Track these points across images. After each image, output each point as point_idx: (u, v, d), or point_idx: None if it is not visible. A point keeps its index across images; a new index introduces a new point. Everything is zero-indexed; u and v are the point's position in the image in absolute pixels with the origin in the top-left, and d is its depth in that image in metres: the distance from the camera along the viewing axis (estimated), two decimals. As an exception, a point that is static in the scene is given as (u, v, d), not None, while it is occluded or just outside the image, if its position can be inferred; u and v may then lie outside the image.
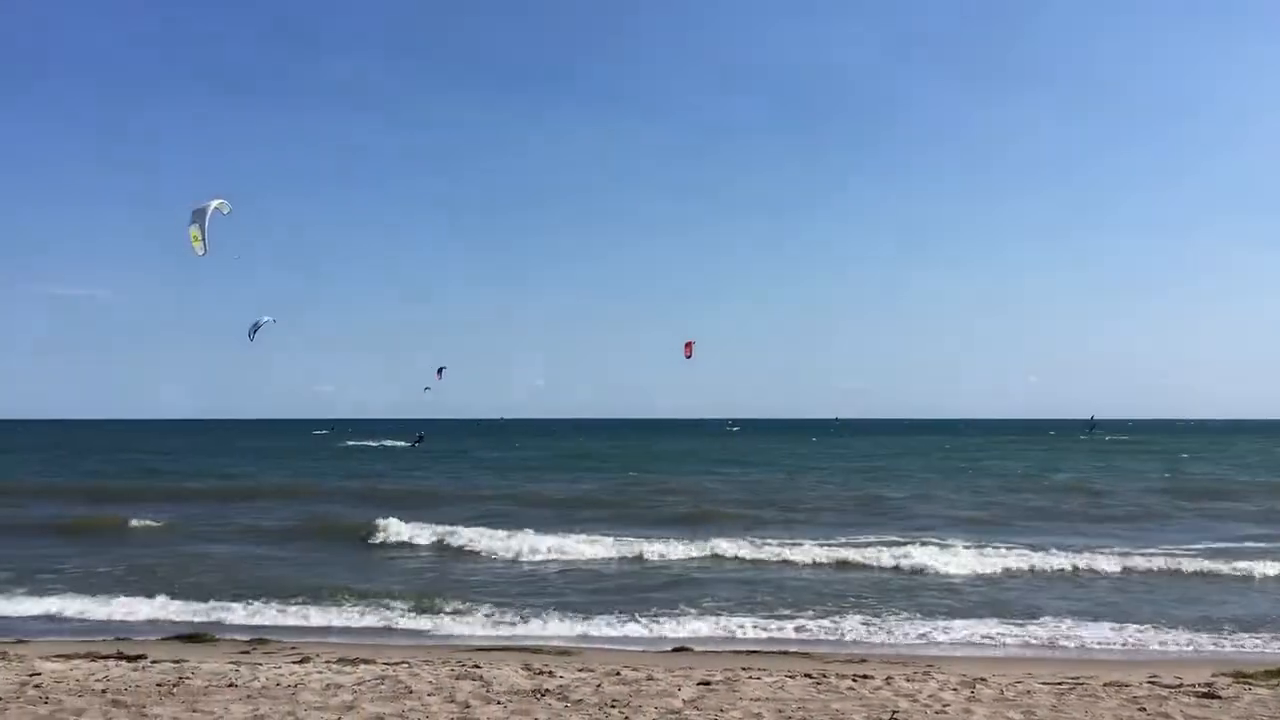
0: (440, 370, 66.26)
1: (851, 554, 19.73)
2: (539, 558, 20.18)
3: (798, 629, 13.95)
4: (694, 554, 20.22)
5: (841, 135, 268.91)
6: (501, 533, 22.28)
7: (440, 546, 21.87)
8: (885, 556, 19.33)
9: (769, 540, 21.63)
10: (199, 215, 19.55)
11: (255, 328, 30.18)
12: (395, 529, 22.98)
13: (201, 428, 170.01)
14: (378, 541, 22.55)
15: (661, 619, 14.36)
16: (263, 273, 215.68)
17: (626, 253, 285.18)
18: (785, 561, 19.54)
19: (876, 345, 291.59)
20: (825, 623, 14.23)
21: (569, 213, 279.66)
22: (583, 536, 21.88)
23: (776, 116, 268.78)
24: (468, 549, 21.31)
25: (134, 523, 24.92)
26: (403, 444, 78.22)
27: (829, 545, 20.84)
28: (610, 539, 21.52)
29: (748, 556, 20.03)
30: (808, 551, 20.08)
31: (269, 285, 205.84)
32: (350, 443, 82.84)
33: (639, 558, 20.05)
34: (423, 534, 22.73)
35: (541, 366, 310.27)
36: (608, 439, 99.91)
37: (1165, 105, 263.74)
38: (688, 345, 35.82)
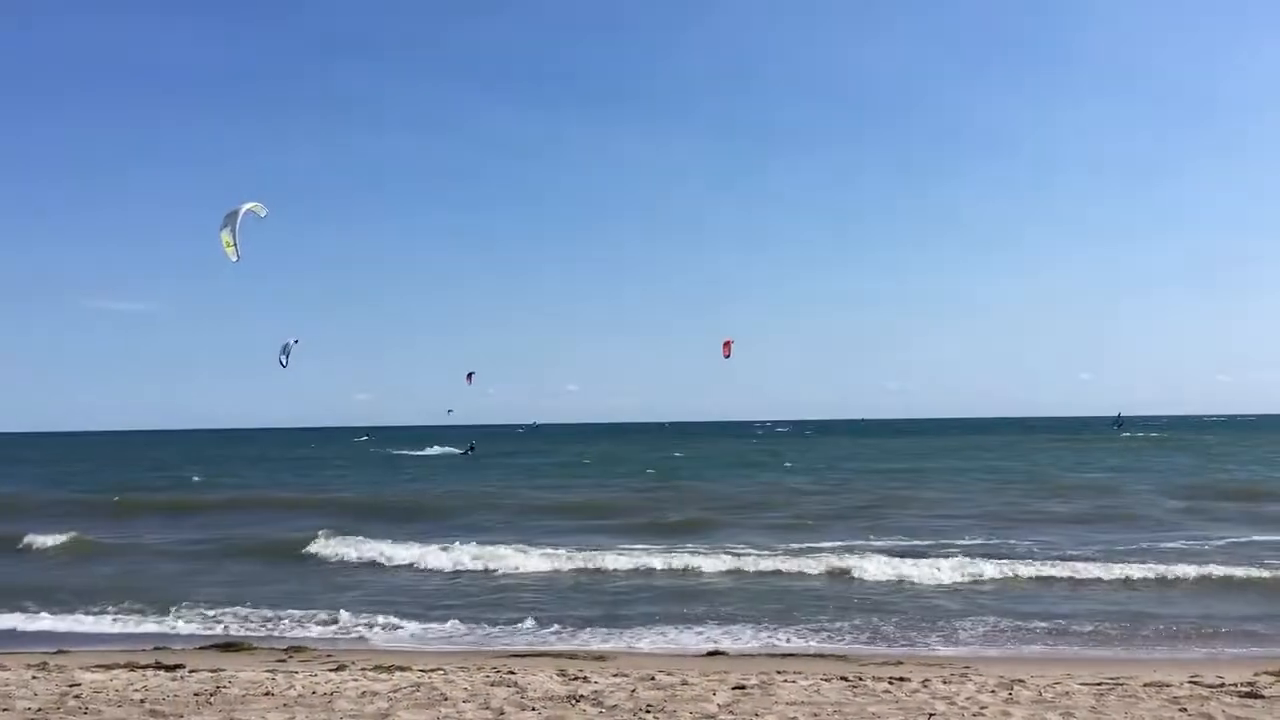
0: (470, 375, 66.49)
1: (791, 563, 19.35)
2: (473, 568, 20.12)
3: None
4: (654, 565, 19.70)
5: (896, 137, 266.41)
6: (433, 546, 21.69)
7: (369, 563, 21.12)
8: (824, 564, 19.10)
9: (741, 548, 21.27)
10: (230, 219, 18.73)
11: (285, 351, 30.31)
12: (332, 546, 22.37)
13: (245, 436, 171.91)
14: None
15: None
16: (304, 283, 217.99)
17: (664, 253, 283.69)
18: (735, 572, 19.13)
19: (925, 346, 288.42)
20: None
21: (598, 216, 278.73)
22: (519, 547, 21.42)
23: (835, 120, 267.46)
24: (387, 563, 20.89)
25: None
26: (455, 451, 77.06)
27: (773, 554, 20.26)
28: (563, 551, 20.95)
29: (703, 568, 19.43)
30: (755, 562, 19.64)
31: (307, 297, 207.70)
32: (399, 451, 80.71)
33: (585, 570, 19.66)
34: (355, 550, 22.00)
35: (581, 369, 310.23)
36: (650, 443, 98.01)
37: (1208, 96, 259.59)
38: (726, 344, 35.03)
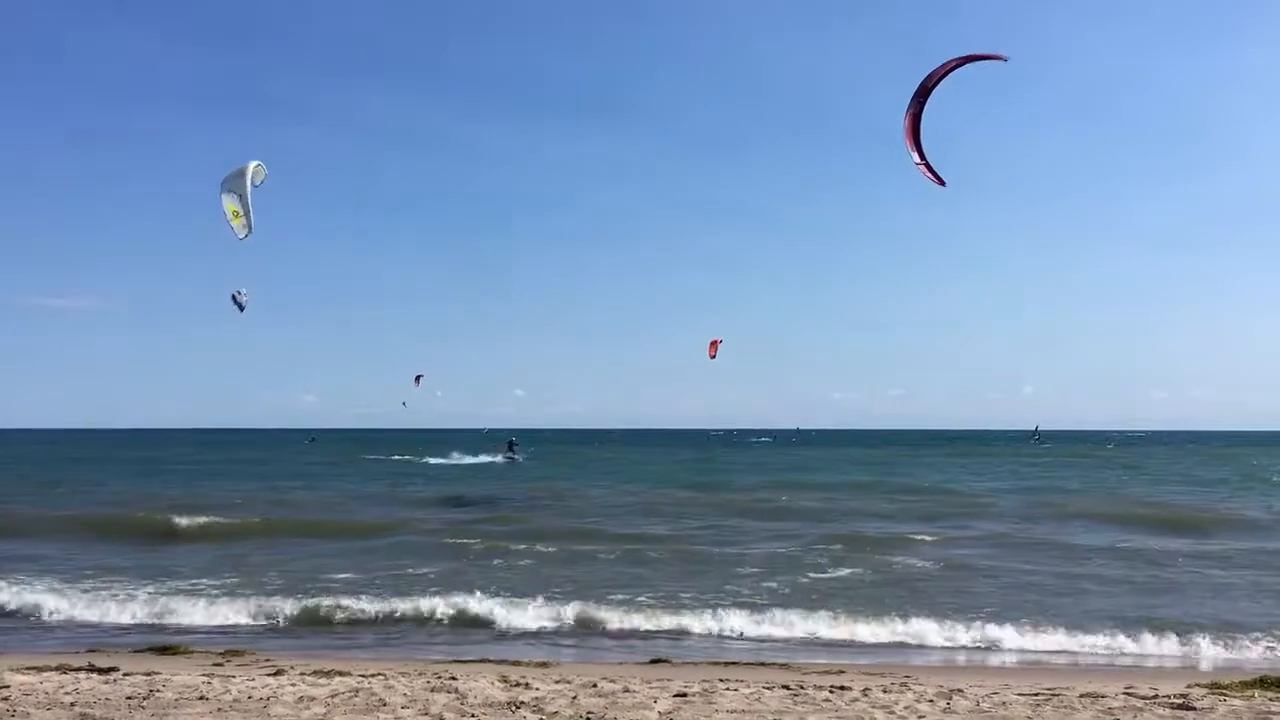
0: (418, 378, 65.56)
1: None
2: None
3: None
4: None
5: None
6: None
7: None
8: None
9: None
10: (234, 183, 15.86)
11: (236, 302, 29.88)
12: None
13: (178, 437, 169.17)
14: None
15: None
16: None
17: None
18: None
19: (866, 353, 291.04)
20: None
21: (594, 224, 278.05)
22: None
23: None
24: None
25: None
26: (498, 459, 64.16)
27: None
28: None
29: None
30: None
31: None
32: (429, 460, 64.47)
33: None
34: None
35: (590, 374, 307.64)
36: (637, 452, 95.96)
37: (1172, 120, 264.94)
38: (713, 344, 34.48)
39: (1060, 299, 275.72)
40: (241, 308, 30.04)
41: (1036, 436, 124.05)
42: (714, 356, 34.26)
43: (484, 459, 63.54)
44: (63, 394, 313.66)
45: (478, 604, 15.51)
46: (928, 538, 24.37)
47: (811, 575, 19.05)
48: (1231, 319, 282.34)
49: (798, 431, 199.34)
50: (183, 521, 26.51)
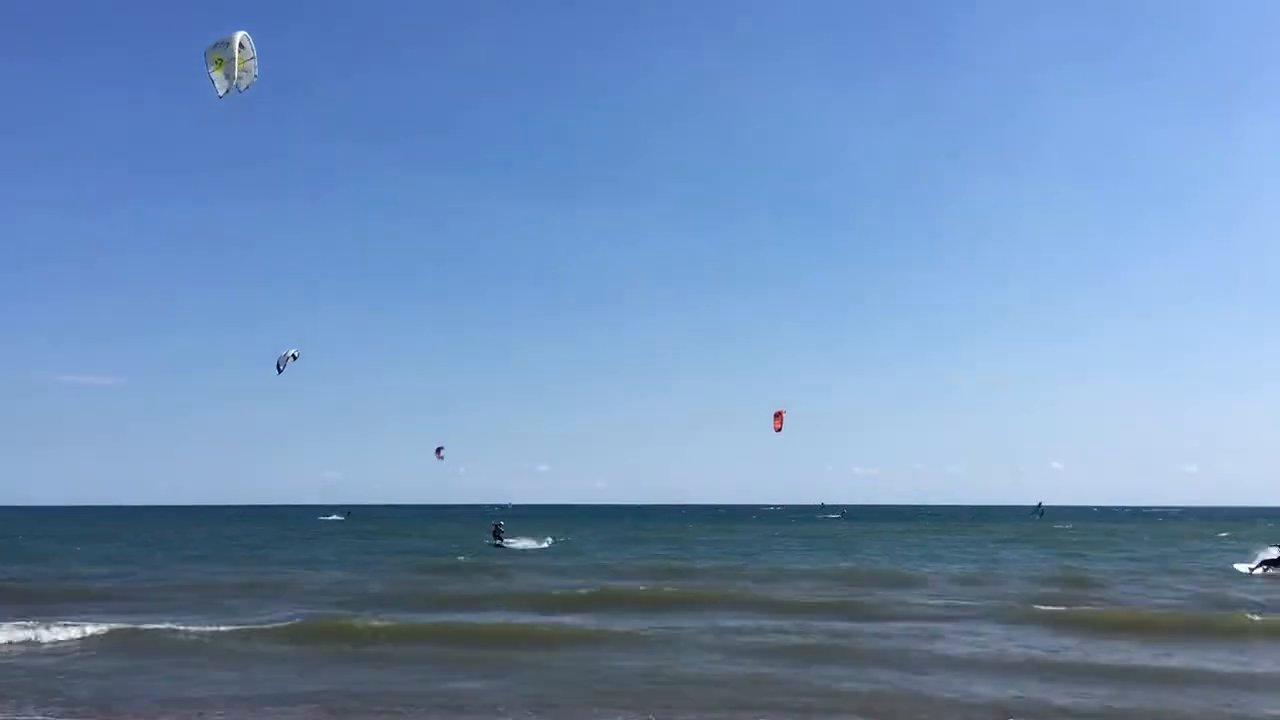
0: (439, 450, 66.47)
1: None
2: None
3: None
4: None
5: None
6: None
7: None
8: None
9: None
10: (221, 46, 15.42)
11: (284, 361, 31.46)
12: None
13: (203, 514, 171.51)
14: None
15: None
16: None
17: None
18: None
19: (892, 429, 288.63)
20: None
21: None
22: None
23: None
24: None
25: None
26: (535, 544, 56.17)
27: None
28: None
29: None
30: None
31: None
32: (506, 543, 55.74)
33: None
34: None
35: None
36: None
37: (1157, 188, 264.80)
38: (777, 416, 32.90)
39: (1090, 370, 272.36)
40: (280, 369, 31.75)
41: (1039, 512, 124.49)
42: (779, 429, 32.76)
43: (528, 543, 56.45)
44: (90, 470, 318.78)
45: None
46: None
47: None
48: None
49: (824, 506, 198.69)
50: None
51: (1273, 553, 36.50)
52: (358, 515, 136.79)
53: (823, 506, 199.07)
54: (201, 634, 21.07)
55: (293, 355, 32.86)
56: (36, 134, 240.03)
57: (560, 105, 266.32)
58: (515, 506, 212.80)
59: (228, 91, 15.34)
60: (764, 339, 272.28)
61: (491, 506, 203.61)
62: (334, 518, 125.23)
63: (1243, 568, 37.25)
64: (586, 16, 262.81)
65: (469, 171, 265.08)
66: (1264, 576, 34.99)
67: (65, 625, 21.35)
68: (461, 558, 46.30)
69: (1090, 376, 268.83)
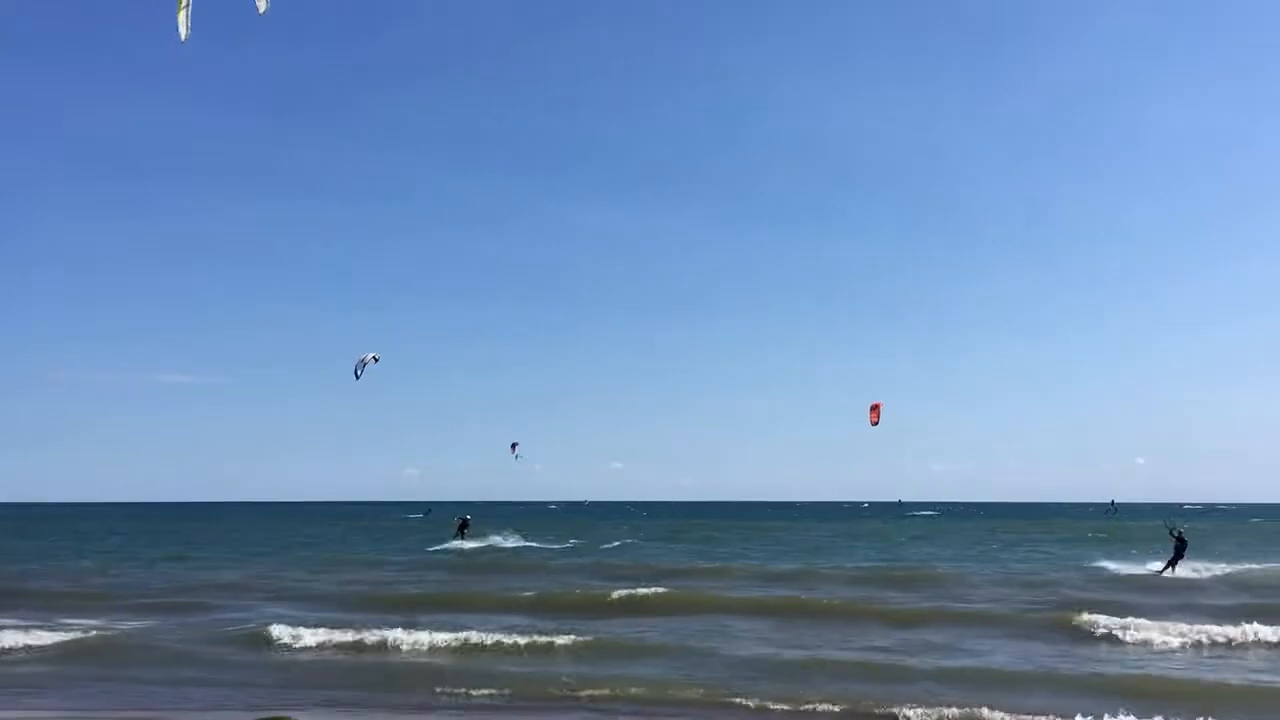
0: (514, 445, 66.48)
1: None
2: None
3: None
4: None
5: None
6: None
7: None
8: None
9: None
10: None
11: (361, 365, 31.70)
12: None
13: (297, 510, 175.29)
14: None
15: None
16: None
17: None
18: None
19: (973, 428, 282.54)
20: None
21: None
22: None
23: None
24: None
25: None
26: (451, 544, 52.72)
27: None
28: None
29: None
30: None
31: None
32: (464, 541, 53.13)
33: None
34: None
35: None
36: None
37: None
38: (874, 409, 31.81)
39: (1180, 367, 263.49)
40: (358, 375, 31.98)
41: (1113, 510, 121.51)
42: (876, 423, 31.60)
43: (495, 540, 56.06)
44: (181, 467, 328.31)
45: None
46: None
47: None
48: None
49: (901, 504, 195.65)
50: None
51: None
52: (438, 512, 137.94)
53: (899, 504, 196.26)
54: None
55: (373, 358, 32.96)
56: (147, 144, 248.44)
57: (640, 110, 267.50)
58: (591, 504, 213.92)
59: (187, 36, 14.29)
60: (848, 338, 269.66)
61: (551, 504, 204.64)
62: (416, 516, 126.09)
63: (1157, 565, 35.25)
64: (663, 19, 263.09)
65: (546, 175, 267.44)
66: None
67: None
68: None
69: (1190, 375, 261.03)
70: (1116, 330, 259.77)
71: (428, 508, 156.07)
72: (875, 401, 31.83)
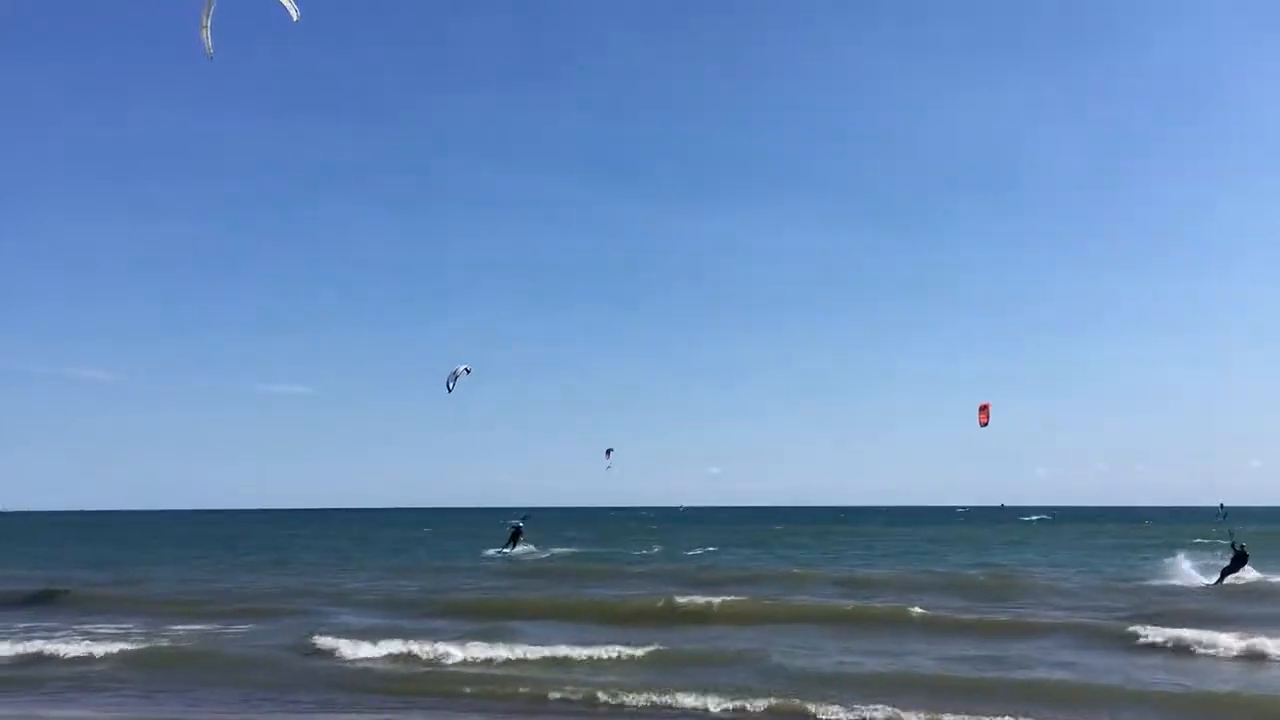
0: (609, 452, 66.62)
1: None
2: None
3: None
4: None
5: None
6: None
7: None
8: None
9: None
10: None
11: (453, 378, 32.10)
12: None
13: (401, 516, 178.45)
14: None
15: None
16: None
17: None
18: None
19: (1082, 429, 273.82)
20: None
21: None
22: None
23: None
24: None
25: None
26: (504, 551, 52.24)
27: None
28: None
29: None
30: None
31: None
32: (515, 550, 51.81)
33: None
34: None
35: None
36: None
37: None
38: (983, 409, 30.95)
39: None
40: (450, 388, 32.40)
41: (1222, 513, 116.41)
42: (986, 423, 30.80)
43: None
44: (279, 475, 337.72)
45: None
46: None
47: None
48: None
49: (1004, 508, 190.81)
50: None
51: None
52: (536, 518, 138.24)
53: (1002, 508, 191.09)
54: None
55: (465, 370, 33.22)
56: (241, 154, 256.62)
57: (735, 111, 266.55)
58: (687, 509, 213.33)
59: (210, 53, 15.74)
60: (944, 338, 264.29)
61: (644, 510, 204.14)
62: (513, 522, 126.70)
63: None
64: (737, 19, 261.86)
65: (643, 180, 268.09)
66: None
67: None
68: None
69: None
70: (1227, 328, 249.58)
71: (525, 514, 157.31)
72: (984, 402, 30.87)
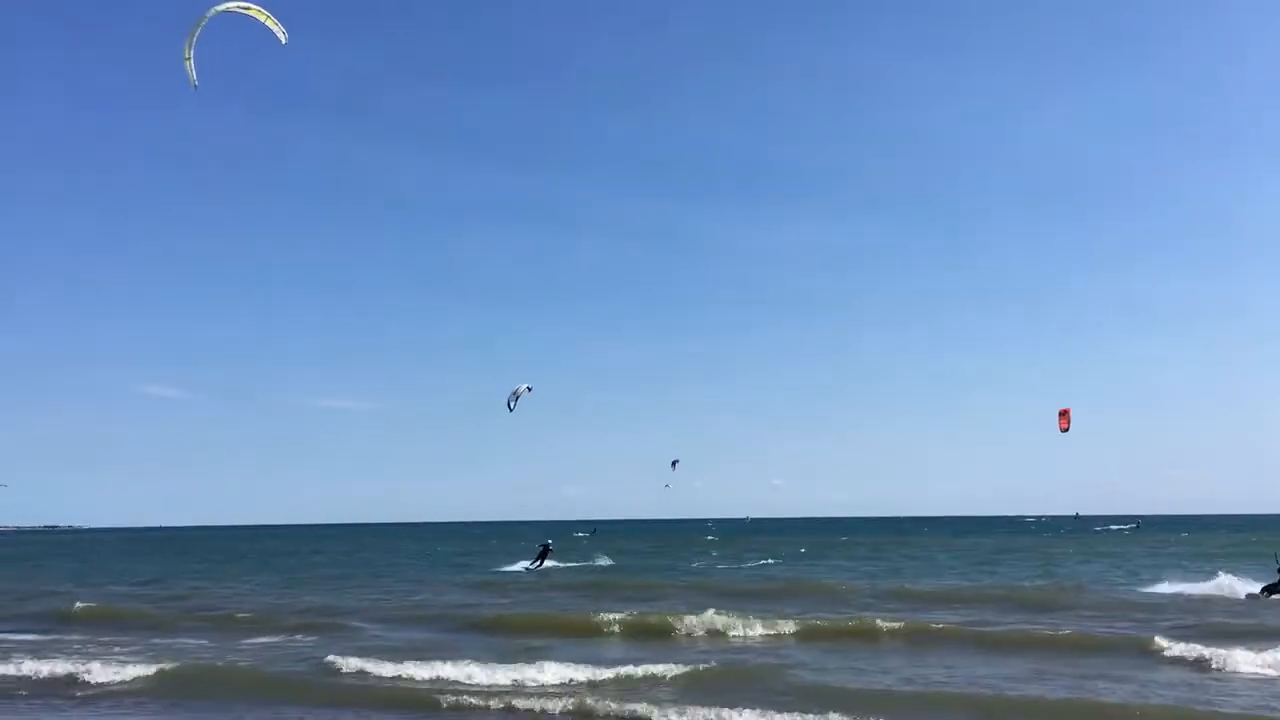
0: (675, 463, 66.50)
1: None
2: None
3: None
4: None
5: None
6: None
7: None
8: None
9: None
10: (194, 29, 15.27)
11: (514, 398, 32.44)
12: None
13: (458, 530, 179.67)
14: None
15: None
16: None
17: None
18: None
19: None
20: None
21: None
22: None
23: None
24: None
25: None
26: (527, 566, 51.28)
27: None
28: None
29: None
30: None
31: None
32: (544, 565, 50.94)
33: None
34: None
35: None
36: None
37: None
38: (1063, 414, 30.02)
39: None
40: (511, 407, 32.78)
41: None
42: (1066, 429, 29.85)
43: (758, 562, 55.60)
44: (336, 489, 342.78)
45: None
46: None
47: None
48: None
49: (1078, 517, 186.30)
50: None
51: None
52: (603, 531, 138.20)
53: (1076, 517, 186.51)
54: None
55: (526, 389, 33.37)
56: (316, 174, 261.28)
57: (818, 120, 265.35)
58: (752, 520, 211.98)
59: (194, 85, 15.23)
60: (1017, 349, 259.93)
61: (708, 521, 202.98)
62: (580, 534, 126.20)
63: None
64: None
65: (734, 193, 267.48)
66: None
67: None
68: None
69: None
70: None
71: (593, 527, 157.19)
72: (1064, 407, 29.97)
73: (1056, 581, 37.99)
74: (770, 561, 57.25)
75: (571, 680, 17.59)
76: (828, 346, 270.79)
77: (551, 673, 17.89)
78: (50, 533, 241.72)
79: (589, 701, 15.86)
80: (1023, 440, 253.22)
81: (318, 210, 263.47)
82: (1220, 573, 33.08)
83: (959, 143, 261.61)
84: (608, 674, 17.85)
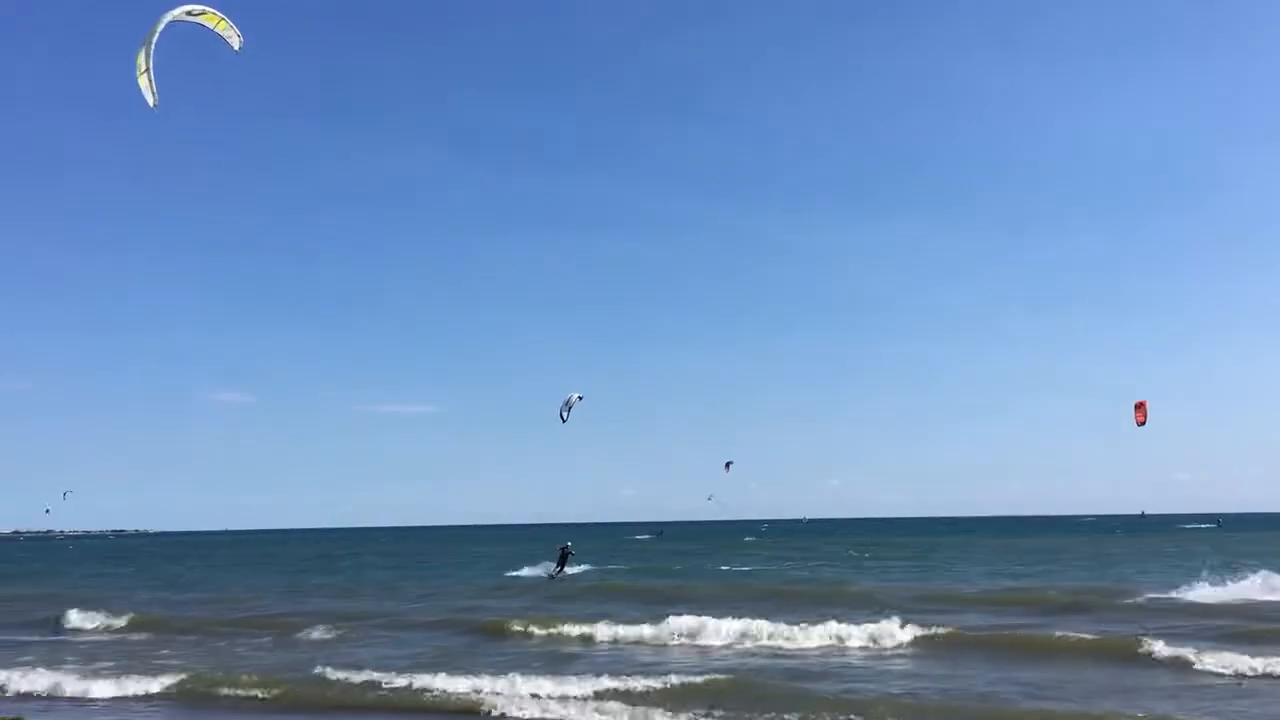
0: (728, 464, 66.36)
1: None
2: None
3: None
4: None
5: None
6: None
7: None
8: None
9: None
10: (146, 41, 14.01)
11: (567, 407, 32.66)
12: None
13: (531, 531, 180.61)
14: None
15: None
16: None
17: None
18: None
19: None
20: None
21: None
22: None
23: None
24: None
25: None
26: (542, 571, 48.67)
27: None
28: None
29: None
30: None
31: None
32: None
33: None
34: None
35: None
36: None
37: None
38: (1139, 408, 29.32)
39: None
40: (564, 418, 32.89)
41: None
42: (1143, 422, 29.05)
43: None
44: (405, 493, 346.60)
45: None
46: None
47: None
48: None
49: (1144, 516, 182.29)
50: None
51: None
52: (670, 533, 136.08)
53: (1142, 515, 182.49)
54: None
55: (578, 398, 33.46)
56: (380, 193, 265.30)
57: (859, 118, 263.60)
58: (810, 521, 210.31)
59: (155, 103, 14.14)
60: (1071, 345, 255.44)
61: (763, 524, 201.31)
62: (644, 536, 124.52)
63: None
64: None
65: (778, 195, 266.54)
66: None
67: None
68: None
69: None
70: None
71: (660, 529, 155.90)
72: (1140, 400, 29.28)
73: (1105, 583, 36.81)
74: (807, 562, 56.85)
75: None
76: (885, 351, 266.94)
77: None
78: (119, 537, 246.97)
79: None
80: (1085, 440, 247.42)
81: (378, 226, 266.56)
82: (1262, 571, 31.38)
83: (1013, 141, 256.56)
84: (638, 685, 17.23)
